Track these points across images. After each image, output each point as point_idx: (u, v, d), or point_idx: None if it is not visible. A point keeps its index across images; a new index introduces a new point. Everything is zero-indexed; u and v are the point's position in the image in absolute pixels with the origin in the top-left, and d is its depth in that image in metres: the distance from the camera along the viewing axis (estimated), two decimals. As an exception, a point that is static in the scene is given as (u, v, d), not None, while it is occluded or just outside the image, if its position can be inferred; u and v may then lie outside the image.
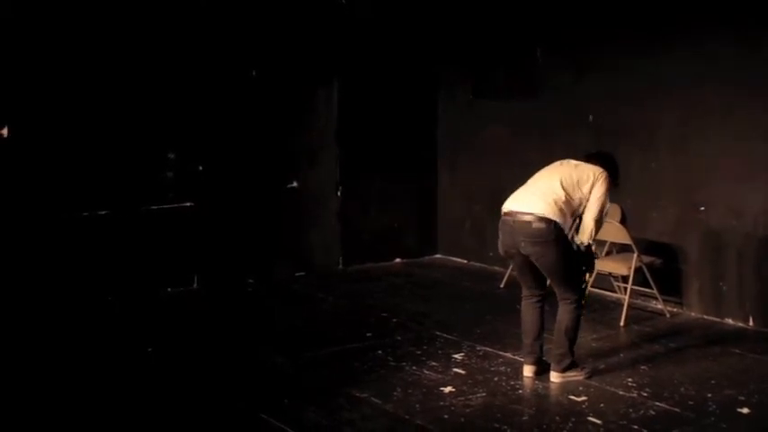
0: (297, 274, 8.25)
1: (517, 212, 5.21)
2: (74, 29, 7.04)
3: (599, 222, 5.32)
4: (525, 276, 5.44)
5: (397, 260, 8.93)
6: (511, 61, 8.35)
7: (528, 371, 5.48)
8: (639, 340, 6.30)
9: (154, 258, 7.50)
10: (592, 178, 5.28)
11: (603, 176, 5.31)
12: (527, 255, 5.24)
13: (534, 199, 5.20)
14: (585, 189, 5.26)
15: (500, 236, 5.37)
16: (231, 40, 7.79)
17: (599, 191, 5.27)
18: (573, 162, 5.44)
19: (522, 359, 5.59)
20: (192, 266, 7.72)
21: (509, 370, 5.60)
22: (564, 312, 5.36)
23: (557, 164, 5.49)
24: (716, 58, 6.62)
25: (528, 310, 5.48)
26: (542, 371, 5.47)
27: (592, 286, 7.04)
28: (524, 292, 5.51)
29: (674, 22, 6.90)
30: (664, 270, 6.93)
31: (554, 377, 5.40)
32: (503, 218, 5.33)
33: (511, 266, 7.48)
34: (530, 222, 5.15)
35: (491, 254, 8.51)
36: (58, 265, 7.04)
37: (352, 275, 8.37)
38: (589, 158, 5.46)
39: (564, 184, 5.24)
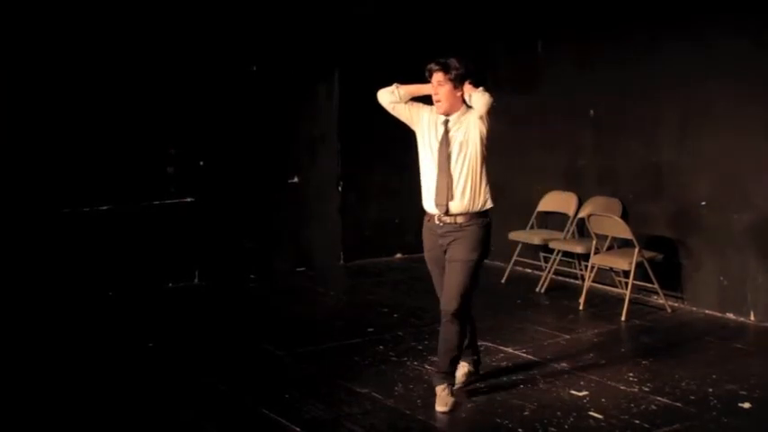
0: (298, 270, 8.25)
1: None
2: (76, 24, 7.03)
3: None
4: None
5: (398, 255, 8.92)
6: (511, 54, 8.33)
7: None
8: (641, 335, 6.30)
9: (155, 254, 7.50)
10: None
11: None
12: None
13: None
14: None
15: None
16: (232, 35, 7.77)
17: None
18: None
19: (523, 354, 5.60)
20: (192, 262, 7.71)
21: (510, 365, 5.59)
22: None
23: None
24: (717, 53, 6.61)
25: None
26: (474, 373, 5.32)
27: (593, 281, 7.08)
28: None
29: (676, 16, 6.88)
30: (665, 265, 6.92)
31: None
32: None
33: (512, 262, 7.51)
34: None
35: (492, 248, 8.50)
36: (60, 260, 7.04)
37: (353, 270, 8.36)
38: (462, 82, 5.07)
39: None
